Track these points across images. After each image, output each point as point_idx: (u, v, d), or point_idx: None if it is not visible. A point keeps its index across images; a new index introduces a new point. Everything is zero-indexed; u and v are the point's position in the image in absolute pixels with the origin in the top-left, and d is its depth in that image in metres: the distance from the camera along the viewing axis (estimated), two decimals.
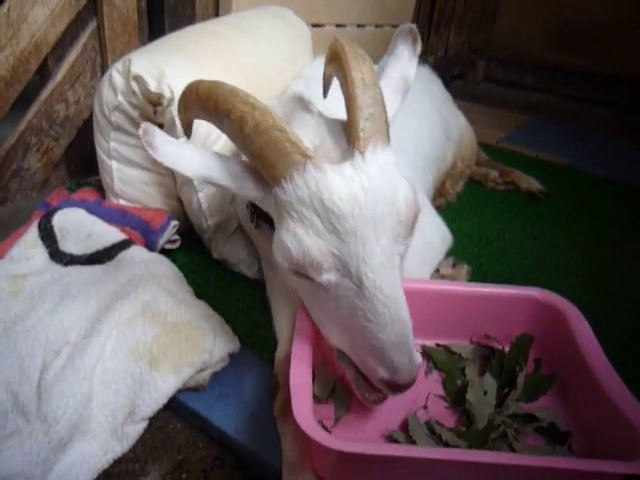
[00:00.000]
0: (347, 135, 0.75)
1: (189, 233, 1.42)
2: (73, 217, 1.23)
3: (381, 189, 0.69)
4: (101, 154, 1.28)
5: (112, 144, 1.24)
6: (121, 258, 1.17)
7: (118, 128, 1.22)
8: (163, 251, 1.36)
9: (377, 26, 2.61)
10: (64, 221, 1.21)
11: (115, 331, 0.99)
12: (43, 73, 1.36)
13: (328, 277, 0.71)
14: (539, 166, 2.42)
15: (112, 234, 1.21)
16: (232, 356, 1.06)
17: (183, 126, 0.87)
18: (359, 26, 2.46)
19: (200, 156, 0.75)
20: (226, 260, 1.35)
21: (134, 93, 1.14)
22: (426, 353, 1.05)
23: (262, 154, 0.69)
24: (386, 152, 0.72)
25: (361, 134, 0.70)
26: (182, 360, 0.97)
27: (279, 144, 0.67)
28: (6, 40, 1.23)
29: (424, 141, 1.59)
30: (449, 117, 1.83)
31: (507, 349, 1.02)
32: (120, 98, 1.16)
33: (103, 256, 1.17)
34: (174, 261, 1.37)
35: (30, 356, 0.94)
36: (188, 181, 1.22)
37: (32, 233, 1.19)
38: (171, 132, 1.16)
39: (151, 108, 1.16)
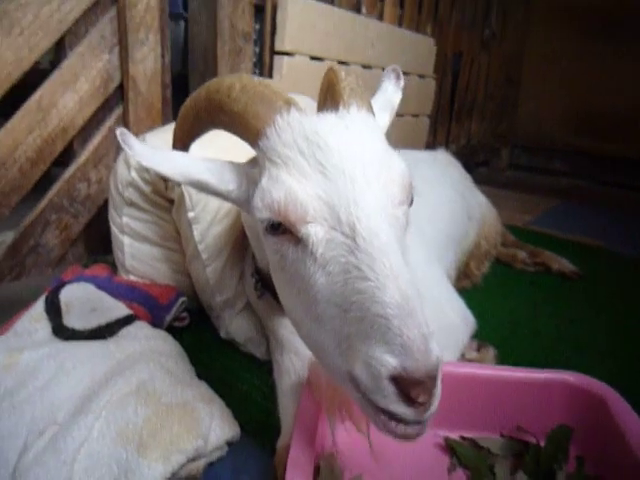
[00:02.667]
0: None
1: (199, 312, 1.38)
2: (80, 292, 1.21)
3: (367, 139, 0.67)
4: (114, 230, 1.29)
5: (125, 219, 1.25)
6: (123, 334, 1.13)
7: (131, 204, 1.23)
8: (171, 329, 1.31)
9: (398, 115, 2.69)
10: (71, 295, 1.19)
11: (105, 411, 0.92)
12: (68, 153, 1.42)
13: (314, 229, 0.61)
14: (570, 247, 2.32)
15: (117, 309, 1.18)
16: (231, 444, 0.97)
17: (180, 143, 0.87)
18: None
19: (176, 156, 0.75)
20: (234, 339, 1.29)
21: (147, 169, 1.16)
22: (449, 447, 0.94)
23: (246, 109, 0.69)
24: (372, 118, 0.72)
25: (345, 95, 0.71)
26: (172, 446, 0.88)
27: (264, 96, 0.68)
28: (35, 123, 1.30)
29: (444, 220, 1.56)
30: (469, 197, 1.80)
31: (543, 444, 0.90)
32: (133, 174, 1.18)
33: (105, 331, 1.12)
34: (181, 339, 1.32)
35: (11, 436, 0.87)
36: (197, 255, 1.20)
37: (38, 307, 1.18)
38: (181, 206, 1.16)
39: (162, 183, 1.17)
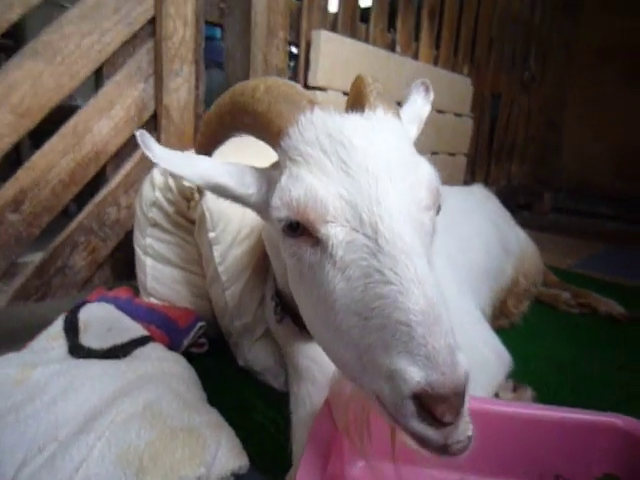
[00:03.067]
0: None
1: (219, 339, 1.34)
2: (99, 311, 1.20)
3: (394, 139, 0.64)
4: (138, 251, 1.29)
5: (148, 240, 1.25)
6: (137, 354, 1.10)
7: (154, 224, 1.23)
8: (189, 355, 1.28)
9: (433, 153, 2.67)
10: (90, 315, 1.19)
11: (108, 431, 0.88)
12: (100, 178, 1.45)
13: (334, 230, 0.58)
14: (618, 290, 2.17)
15: (133, 330, 1.16)
16: (237, 476, 0.90)
17: (203, 150, 0.87)
18: None
19: (197, 159, 0.74)
20: (251, 368, 1.23)
21: (170, 189, 1.16)
22: None
23: (270, 108, 0.68)
24: (399, 121, 0.70)
25: (371, 98, 0.69)
26: (173, 472, 0.82)
27: (287, 95, 0.67)
28: (70, 147, 1.34)
29: (477, 252, 1.49)
30: (506, 230, 1.72)
31: None
32: (157, 194, 1.19)
33: (119, 351, 1.10)
34: (199, 366, 1.28)
35: (12, 450, 0.84)
36: (216, 277, 1.18)
37: (57, 326, 1.17)
38: (202, 226, 1.14)
39: (185, 203, 1.17)
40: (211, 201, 1.09)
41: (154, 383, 0.99)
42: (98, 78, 1.43)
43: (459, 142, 2.86)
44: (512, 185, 3.76)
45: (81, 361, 1.06)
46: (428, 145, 2.61)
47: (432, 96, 0.95)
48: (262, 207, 0.72)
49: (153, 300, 1.30)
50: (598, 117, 3.74)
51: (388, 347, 0.51)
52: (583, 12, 3.81)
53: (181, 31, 1.48)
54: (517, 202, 3.81)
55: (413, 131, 0.88)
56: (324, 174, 0.59)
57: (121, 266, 1.51)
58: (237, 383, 1.24)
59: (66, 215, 1.45)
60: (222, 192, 0.72)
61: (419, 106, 0.93)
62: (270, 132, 0.68)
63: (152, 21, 1.45)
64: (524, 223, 1.95)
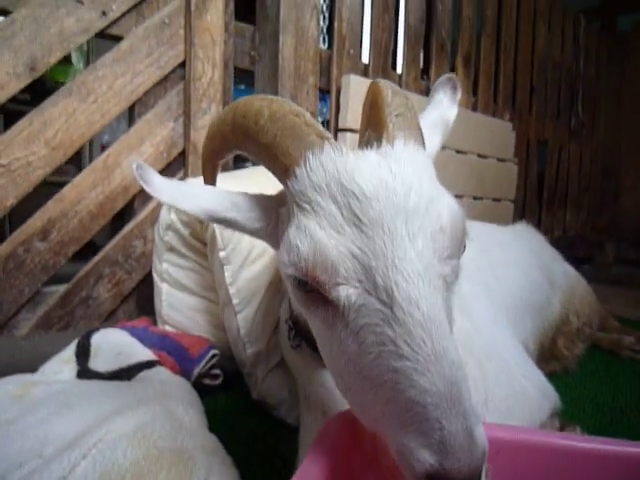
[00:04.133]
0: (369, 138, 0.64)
1: (236, 374, 1.27)
2: (111, 336, 1.18)
3: (414, 181, 0.55)
4: (155, 277, 1.28)
5: (164, 265, 1.24)
6: (140, 377, 1.05)
7: (171, 249, 1.23)
8: (202, 387, 1.21)
9: (475, 198, 2.58)
10: (101, 340, 1.17)
11: (95, 449, 0.82)
12: (128, 211, 1.49)
13: (346, 292, 0.51)
14: None
15: (141, 354, 1.12)
16: None
17: (208, 174, 0.81)
18: (455, 196, 2.45)
19: (200, 190, 0.67)
20: (265, 400, 1.15)
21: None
22: None
23: (276, 142, 0.60)
24: (420, 151, 0.60)
25: (390, 125, 0.60)
26: None
27: (295, 128, 0.59)
28: (99, 180, 1.40)
29: (517, 281, 1.38)
30: (550, 263, 1.59)
31: None
32: (173, 216, 1.19)
33: (124, 374, 1.06)
34: (214, 400, 1.23)
35: None
36: (228, 301, 1.13)
37: (69, 350, 1.16)
38: (213, 246, 1.12)
39: (199, 225, 1.16)
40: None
41: (150, 404, 0.93)
42: (131, 117, 1.50)
43: (504, 188, 2.76)
44: (569, 236, 3.55)
45: (82, 382, 1.03)
46: (470, 190, 2.54)
47: (459, 95, 0.83)
48: (271, 241, 0.66)
49: (168, 328, 1.27)
50: None
51: (401, 422, 0.48)
52: (629, 59, 3.72)
53: (209, 73, 1.55)
54: (576, 254, 3.57)
55: (437, 141, 0.78)
56: (334, 229, 0.53)
57: (146, 300, 1.50)
58: (248, 418, 1.16)
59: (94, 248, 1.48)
60: (227, 225, 0.67)
61: (445, 108, 0.81)
62: (276, 168, 0.61)
63: (183, 65, 1.54)
64: (586, 278, 1.79)
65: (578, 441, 0.76)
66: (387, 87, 0.64)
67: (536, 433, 0.80)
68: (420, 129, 0.64)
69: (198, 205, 0.64)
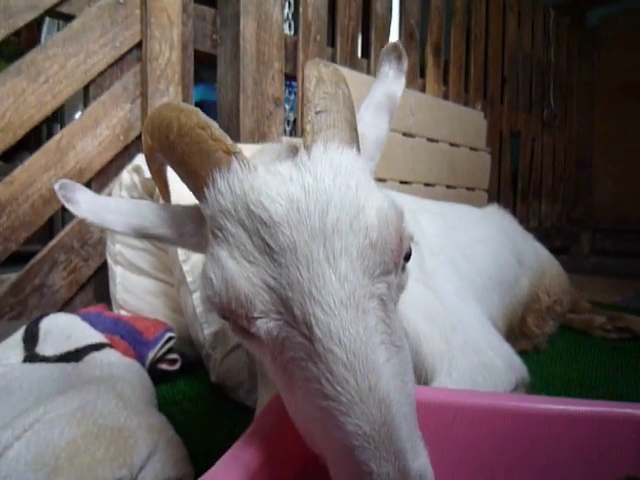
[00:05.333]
0: None
1: (197, 360, 1.23)
2: (61, 320, 1.13)
3: (334, 193, 0.47)
4: (109, 260, 1.23)
5: (118, 247, 1.19)
6: (88, 360, 1.00)
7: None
8: (161, 373, 1.17)
9: (449, 187, 2.57)
10: (50, 324, 1.11)
11: (31, 430, 0.77)
12: None
13: (266, 326, 0.46)
14: None
15: (91, 337, 1.07)
16: None
17: (156, 181, 0.73)
18: (427, 185, 2.44)
19: (131, 206, 0.61)
20: (224, 383, 1.11)
21: (135, 186, 1.12)
22: None
23: (184, 160, 0.53)
24: (346, 153, 0.52)
25: (308, 127, 0.52)
26: (89, 473, 0.70)
27: (201, 143, 0.52)
28: (52, 163, 1.35)
29: (483, 259, 1.36)
30: (520, 242, 1.58)
31: None
32: (124, 193, 1.15)
33: (72, 357, 1.01)
34: (172, 386, 1.18)
35: None
36: (183, 280, 1.09)
37: (17, 335, 1.10)
38: None
39: (150, 200, 1.11)
40: (173, 182, 1.02)
41: (95, 384, 0.89)
42: (86, 98, 1.46)
43: (477, 177, 2.76)
44: (545, 227, 3.57)
45: (27, 365, 0.98)
46: (443, 178, 2.53)
47: (406, 64, 0.74)
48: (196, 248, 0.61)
49: (124, 313, 1.22)
50: (628, 152, 3.57)
51: (335, 461, 0.45)
52: (599, 52, 3.77)
53: (167, 53, 1.51)
54: (553, 245, 3.59)
55: (384, 124, 0.69)
56: (246, 259, 0.47)
57: (105, 288, 1.44)
58: (206, 402, 1.11)
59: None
60: (160, 242, 0.62)
61: (390, 82, 0.72)
62: (190, 189, 0.55)
63: (139, 45, 1.50)
64: (564, 268, 1.78)
65: (534, 402, 0.74)
66: (312, 75, 0.57)
67: (492, 396, 0.77)
68: (350, 123, 0.56)
69: (128, 223, 0.59)
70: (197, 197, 0.54)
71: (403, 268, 0.52)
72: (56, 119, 2.00)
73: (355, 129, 0.57)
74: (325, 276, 0.44)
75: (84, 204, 0.60)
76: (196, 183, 0.52)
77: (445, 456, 0.70)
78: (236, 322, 0.48)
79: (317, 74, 0.57)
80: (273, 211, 0.46)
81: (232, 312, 0.47)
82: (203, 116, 0.54)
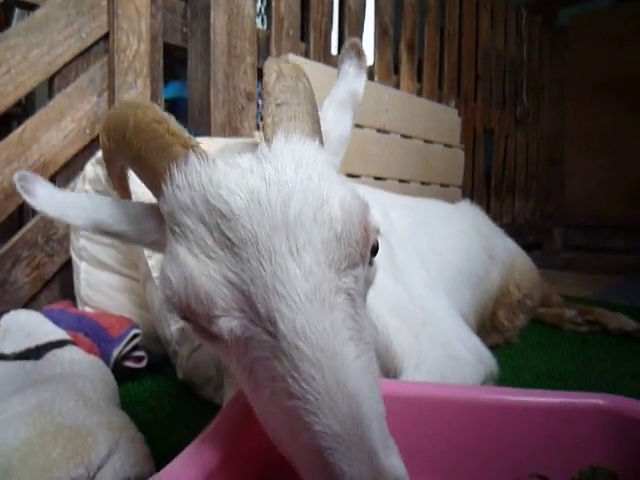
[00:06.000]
0: None
1: (164, 357, 1.21)
2: (22, 317, 1.09)
3: (296, 185, 0.46)
4: (73, 255, 1.20)
5: (82, 242, 1.16)
6: (49, 357, 0.97)
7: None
8: (126, 371, 1.14)
9: (423, 183, 2.58)
10: (10, 322, 1.08)
11: None
12: None
13: (228, 324, 0.44)
14: (634, 312, 1.95)
15: (53, 334, 1.04)
16: None
17: (116, 185, 0.71)
18: (401, 181, 2.45)
19: (91, 202, 0.59)
20: (191, 380, 1.09)
21: (99, 179, 1.09)
22: None
23: (141, 156, 0.52)
24: (307, 144, 0.51)
25: (268, 119, 0.51)
26: (44, 473, 0.68)
27: (157, 138, 0.51)
28: (15, 156, 1.30)
29: (453, 253, 1.37)
30: (491, 236, 1.60)
31: None
32: (87, 187, 1.12)
33: (32, 354, 0.98)
34: (138, 384, 1.15)
35: None
36: (148, 275, 1.07)
37: None
38: None
39: (114, 194, 1.09)
40: (133, 184, 1.00)
41: (54, 382, 0.86)
42: (51, 90, 1.42)
43: (451, 174, 2.78)
44: (518, 223, 3.62)
45: None
46: (417, 175, 2.54)
47: (366, 63, 0.74)
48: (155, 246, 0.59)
49: (88, 309, 1.19)
50: (598, 149, 3.66)
51: (304, 463, 0.44)
52: (570, 49, 3.85)
53: (135, 45, 1.48)
54: (526, 241, 3.65)
55: (346, 118, 0.68)
56: (206, 255, 0.45)
57: (71, 285, 1.40)
58: (173, 400, 1.10)
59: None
60: (120, 239, 0.59)
61: (351, 79, 0.71)
62: (149, 187, 0.53)
63: (106, 37, 1.46)
64: (537, 264, 1.80)
65: (498, 394, 0.74)
66: (272, 70, 0.56)
67: (458, 389, 0.77)
68: (312, 115, 0.55)
69: (87, 218, 0.57)
70: (155, 194, 0.52)
71: (371, 262, 0.52)
72: (27, 114, 1.94)
73: (317, 122, 0.56)
74: (289, 270, 0.43)
75: (43, 197, 0.58)
76: (153, 180, 0.51)
77: (417, 450, 0.70)
78: (197, 323, 0.46)
79: (277, 69, 0.56)
80: (233, 204, 0.45)
81: (192, 312, 0.45)
82: (160, 111, 0.53)
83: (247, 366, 0.46)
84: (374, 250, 0.51)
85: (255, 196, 0.45)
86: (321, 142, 0.54)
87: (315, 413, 0.40)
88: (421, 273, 1.19)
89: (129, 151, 0.53)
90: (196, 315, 0.45)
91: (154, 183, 0.51)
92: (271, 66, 0.57)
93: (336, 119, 0.64)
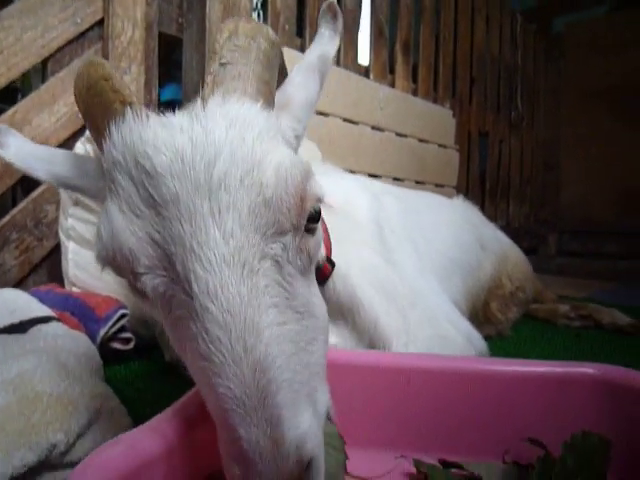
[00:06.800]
0: None
1: (153, 340, 1.19)
2: (7, 295, 1.07)
3: (224, 146, 0.46)
4: (61, 235, 1.19)
5: (70, 221, 1.15)
6: (33, 332, 0.96)
7: (77, 202, 1.14)
8: (114, 352, 1.12)
9: (417, 182, 2.59)
10: None
11: None
12: None
13: (152, 282, 0.45)
14: (628, 311, 1.94)
15: (38, 310, 1.02)
16: None
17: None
18: (396, 179, 2.45)
19: (57, 155, 0.61)
20: (178, 362, 1.06)
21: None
22: (422, 476, 0.64)
23: (90, 113, 0.53)
24: (246, 106, 0.50)
25: (209, 78, 0.52)
26: (22, 437, 0.66)
27: (102, 95, 0.51)
28: None
29: (445, 242, 1.37)
30: (482, 227, 1.60)
31: None
32: None
33: (15, 329, 0.96)
34: (125, 367, 1.14)
35: None
36: None
37: None
38: None
39: None
40: None
41: (37, 354, 0.84)
42: (44, 74, 1.41)
43: (446, 174, 2.79)
44: (513, 228, 3.63)
45: None
46: (412, 174, 2.55)
47: (340, 25, 0.72)
48: None
49: (75, 290, 1.17)
50: (593, 155, 3.68)
51: (216, 423, 0.45)
52: (565, 56, 3.89)
53: (129, 32, 1.48)
54: (520, 246, 3.65)
55: (314, 82, 0.66)
56: (133, 212, 0.46)
57: (60, 269, 1.39)
58: (160, 381, 1.08)
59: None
60: (81, 193, 0.61)
61: (325, 42, 0.70)
62: (96, 144, 0.53)
63: (101, 23, 1.47)
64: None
65: (491, 364, 0.74)
66: (227, 29, 0.55)
67: (452, 359, 0.76)
68: (260, 77, 0.53)
69: (51, 171, 0.59)
70: (100, 151, 0.52)
71: (310, 230, 0.50)
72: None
73: (267, 84, 0.54)
74: (208, 231, 0.43)
75: (13, 148, 0.60)
76: (97, 136, 0.52)
77: (410, 424, 0.69)
78: (129, 282, 0.47)
79: (233, 28, 0.56)
80: (157, 162, 0.45)
81: (119, 267, 0.46)
82: (109, 68, 0.53)
83: (172, 324, 0.46)
84: (314, 218, 0.50)
85: (179, 155, 0.45)
86: (269, 105, 0.53)
87: (219, 375, 0.41)
88: (412, 256, 1.18)
89: (82, 107, 0.55)
90: (122, 271, 0.46)
91: (98, 140, 0.51)
92: (227, 25, 0.57)
93: (302, 83, 0.63)
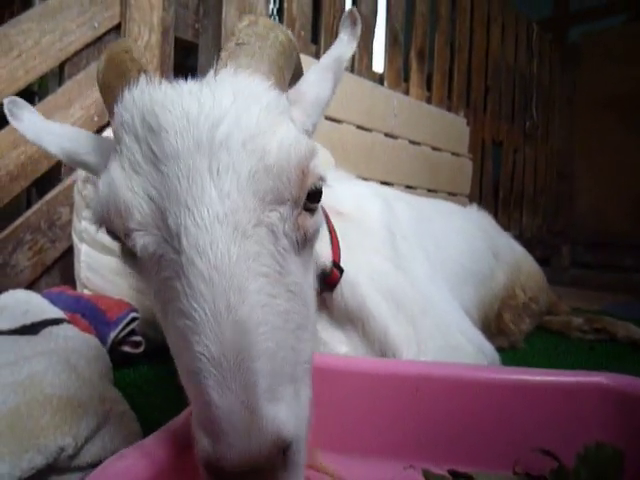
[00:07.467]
0: None
1: (163, 344, 1.19)
2: (20, 296, 1.08)
3: (230, 111, 0.47)
4: (74, 237, 1.19)
5: (84, 224, 1.16)
6: (44, 333, 0.96)
7: (90, 205, 1.14)
8: (124, 356, 1.12)
9: (430, 190, 2.57)
10: (7, 299, 1.07)
11: None
12: (53, 175, 1.40)
13: (142, 240, 0.45)
14: None
15: (50, 312, 1.03)
16: None
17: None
18: (408, 187, 2.44)
19: (68, 131, 0.63)
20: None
21: None
22: None
23: (105, 82, 0.56)
24: (257, 81, 0.51)
25: (224, 54, 0.53)
26: (30, 440, 0.66)
27: (120, 65, 0.54)
28: (21, 141, 1.31)
29: (458, 249, 1.35)
30: (496, 237, 1.58)
31: None
32: None
33: (27, 331, 0.97)
34: (135, 370, 1.13)
35: None
36: None
37: None
38: None
39: None
40: None
41: (48, 355, 0.84)
42: (61, 77, 1.43)
43: (459, 183, 2.77)
44: (526, 238, 3.59)
45: None
46: (424, 182, 2.53)
47: (359, 31, 0.74)
48: None
49: (87, 292, 1.17)
50: (608, 166, 3.64)
51: (186, 387, 0.44)
52: (580, 66, 3.86)
53: (146, 36, 1.49)
54: (533, 256, 3.61)
55: (327, 82, 0.66)
56: (134, 169, 0.46)
57: (72, 271, 1.39)
58: (167, 386, 1.07)
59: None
60: (87, 169, 0.62)
61: (344, 45, 0.72)
62: (109, 114, 0.55)
63: (118, 27, 1.48)
64: None
65: (501, 373, 0.73)
66: (247, 19, 0.57)
67: (462, 368, 0.75)
68: (274, 61, 0.55)
69: (59, 145, 0.60)
70: (110, 118, 0.54)
71: (310, 210, 0.51)
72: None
73: (280, 69, 0.56)
74: (204, 188, 0.43)
75: (27, 122, 0.62)
76: (111, 104, 0.53)
77: (429, 428, 0.68)
78: (117, 237, 0.48)
79: (253, 19, 0.58)
80: (162, 118, 0.46)
81: (111, 223, 0.47)
82: (132, 43, 0.56)
83: (157, 287, 0.46)
84: (315, 197, 0.50)
85: (185, 113, 0.46)
86: (280, 87, 0.54)
87: (198, 333, 0.40)
88: (423, 264, 1.17)
89: (101, 80, 0.57)
90: (114, 226, 0.47)
91: (110, 107, 0.53)
92: (248, 16, 0.59)
93: (315, 81, 0.64)
